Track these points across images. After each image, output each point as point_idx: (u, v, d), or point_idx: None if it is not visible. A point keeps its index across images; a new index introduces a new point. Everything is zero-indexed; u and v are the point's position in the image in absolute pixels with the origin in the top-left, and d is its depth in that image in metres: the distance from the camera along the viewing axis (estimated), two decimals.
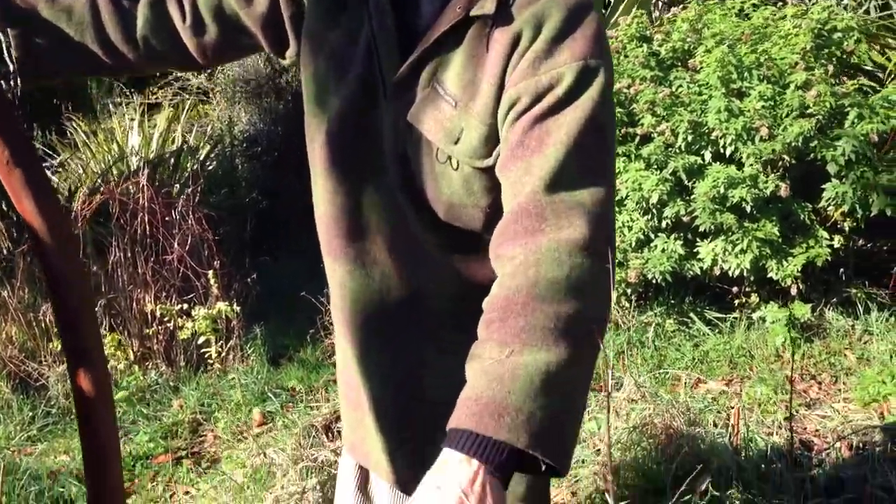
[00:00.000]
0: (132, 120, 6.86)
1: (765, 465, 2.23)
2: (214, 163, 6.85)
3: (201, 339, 3.99)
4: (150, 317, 4.12)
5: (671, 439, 2.17)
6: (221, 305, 3.89)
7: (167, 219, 4.28)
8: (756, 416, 2.70)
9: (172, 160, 6.23)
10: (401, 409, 1.22)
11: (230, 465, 2.78)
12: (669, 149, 3.42)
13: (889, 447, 2.42)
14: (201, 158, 6.63)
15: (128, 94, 8.54)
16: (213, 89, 7.59)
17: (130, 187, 4.38)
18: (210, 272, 4.03)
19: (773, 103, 3.26)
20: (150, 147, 6.53)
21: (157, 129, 6.76)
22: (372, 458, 1.26)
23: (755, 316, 3.53)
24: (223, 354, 4.10)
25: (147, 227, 4.13)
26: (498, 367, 0.87)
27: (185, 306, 4.02)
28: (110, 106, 8.30)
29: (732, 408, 2.54)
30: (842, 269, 3.64)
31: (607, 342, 3.41)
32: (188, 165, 6.25)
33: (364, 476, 1.34)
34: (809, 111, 3.24)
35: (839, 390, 3.10)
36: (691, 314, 3.63)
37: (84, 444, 0.89)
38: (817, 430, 2.72)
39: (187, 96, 8.02)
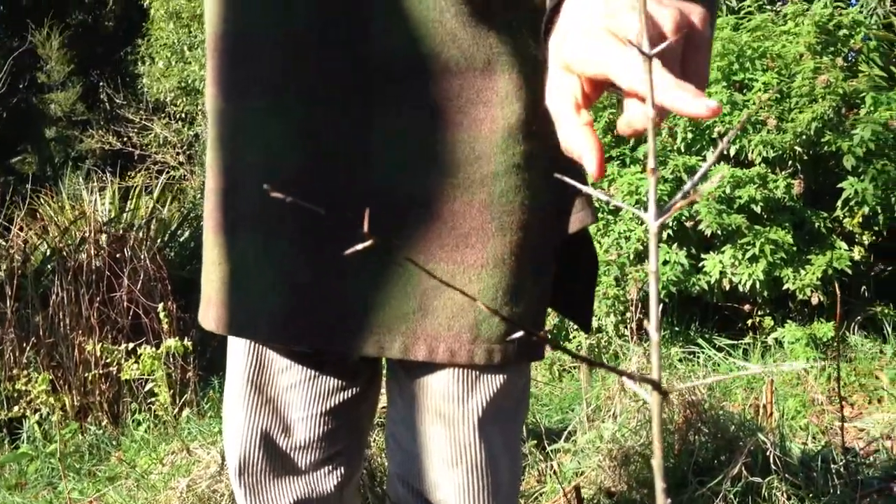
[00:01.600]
0: (102, 189, 6.58)
1: (809, 454, 1.79)
2: (187, 232, 6.53)
3: (148, 386, 3.53)
4: (93, 363, 3.68)
5: (691, 419, 1.74)
6: (171, 342, 3.45)
7: (118, 255, 3.91)
8: (786, 426, 2.27)
9: (142, 233, 5.92)
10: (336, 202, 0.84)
11: None
12: (667, 151, 3.09)
13: None
14: (173, 228, 6.33)
15: (104, 178, 8.31)
16: (190, 162, 7.35)
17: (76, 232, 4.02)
18: (160, 305, 3.61)
19: (779, 96, 2.97)
20: (120, 221, 6.23)
21: (129, 202, 6.48)
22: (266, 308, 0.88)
23: (770, 340, 3.13)
24: (176, 410, 3.63)
25: (92, 260, 3.74)
26: None
27: (132, 346, 3.59)
28: (84, 193, 8.06)
29: (764, 383, 2.11)
30: (863, 288, 3.27)
31: (606, 372, 3.00)
32: (158, 237, 5.93)
33: (258, 360, 0.94)
34: (820, 102, 2.94)
35: (876, 409, 2.68)
36: (700, 340, 3.22)
37: None
38: (860, 437, 2.28)
39: (164, 177, 7.78)
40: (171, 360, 3.61)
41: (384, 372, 1.01)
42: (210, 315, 0.91)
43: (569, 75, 0.58)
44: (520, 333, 0.90)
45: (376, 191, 0.83)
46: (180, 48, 9.88)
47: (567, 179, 0.47)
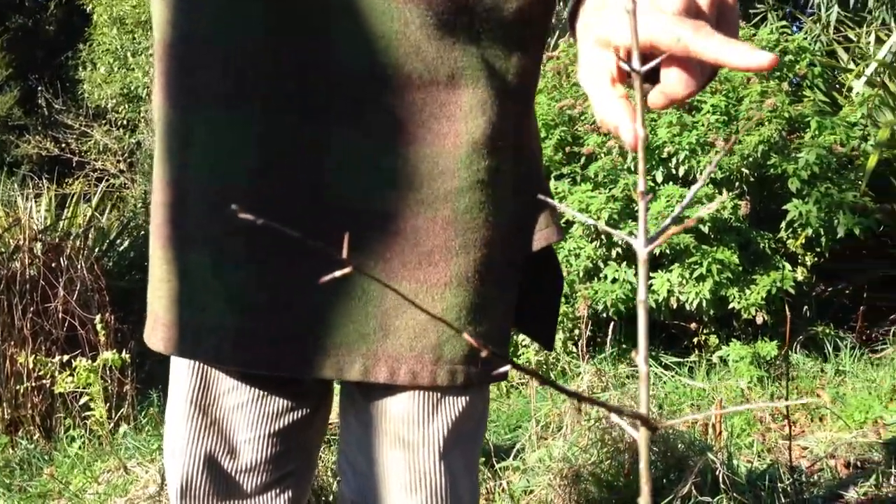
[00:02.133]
0: (38, 196, 6.39)
1: (755, 472, 1.80)
2: (127, 241, 6.37)
3: (83, 400, 3.41)
4: (25, 375, 3.54)
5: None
6: (108, 354, 3.34)
7: (53, 264, 3.78)
8: (733, 445, 2.29)
9: (79, 242, 5.75)
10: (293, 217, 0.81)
11: None
12: (618, 170, 3.12)
13: (894, 463, 2.02)
14: (112, 237, 6.17)
15: (40, 185, 8.08)
16: (132, 170, 7.20)
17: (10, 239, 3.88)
18: (97, 317, 3.50)
19: (727, 118, 3.02)
20: (57, 229, 6.05)
21: (66, 209, 6.30)
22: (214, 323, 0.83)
23: (715, 358, 3.16)
24: (112, 424, 3.52)
25: (27, 269, 3.61)
26: None
27: (67, 358, 3.46)
28: (19, 199, 7.82)
29: (713, 402, 2.12)
30: (805, 308, 3.33)
31: (555, 393, 2.99)
32: (96, 246, 5.77)
33: (202, 381, 0.90)
34: (766, 125, 3.00)
35: (818, 427, 2.72)
36: None
37: None
38: (803, 456, 2.31)
39: (104, 185, 7.60)
40: (108, 373, 3.50)
41: (337, 390, 0.98)
42: (158, 335, 0.86)
43: (604, 51, 0.59)
44: (485, 353, 0.88)
45: (335, 207, 0.80)
46: (123, 54, 9.69)
47: (547, 200, 0.45)
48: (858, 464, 2.10)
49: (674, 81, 0.56)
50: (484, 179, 0.81)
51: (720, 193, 3.00)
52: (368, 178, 0.79)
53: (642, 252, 0.41)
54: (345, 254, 0.27)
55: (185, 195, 0.83)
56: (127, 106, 9.69)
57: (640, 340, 0.42)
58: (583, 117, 3.21)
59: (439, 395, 0.84)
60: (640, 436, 0.43)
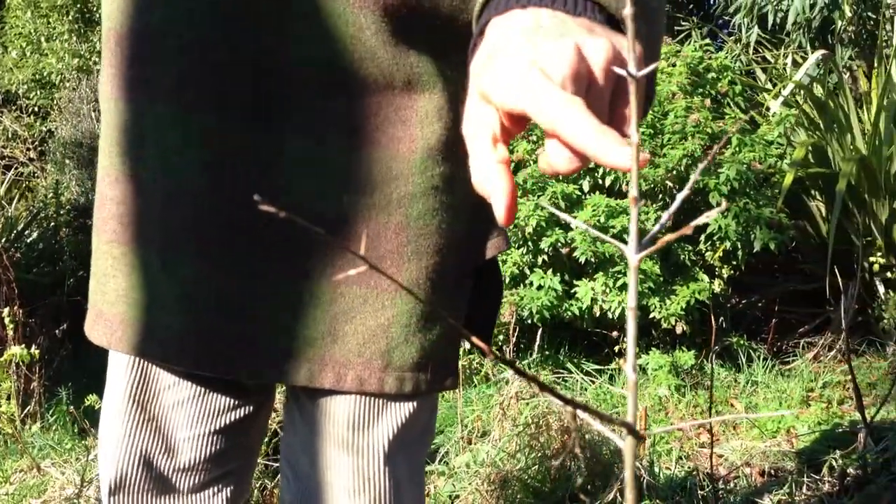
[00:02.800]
0: None
1: (676, 479, 1.84)
2: (36, 232, 6.12)
3: None
4: None
5: (568, 445, 1.75)
6: (16, 349, 3.19)
7: None
8: (654, 450, 2.33)
9: None
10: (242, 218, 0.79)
11: None
12: (545, 178, 3.15)
13: (805, 472, 2.10)
14: (20, 228, 5.92)
15: None
16: (42, 158, 6.92)
17: None
18: (5, 310, 3.35)
19: (652, 131, 3.08)
20: None
21: None
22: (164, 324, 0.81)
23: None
24: (18, 421, 3.36)
25: None
26: None
27: None
28: None
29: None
30: (721, 319, 3.42)
31: (479, 394, 3.00)
32: (3, 236, 5.53)
33: (141, 376, 0.87)
34: (690, 139, 3.08)
35: (733, 436, 2.80)
36: (568, 365, 3.28)
37: None
38: (719, 464, 2.37)
39: (12, 173, 7.28)
40: (16, 369, 3.35)
41: (281, 391, 0.96)
42: (100, 329, 0.84)
43: (487, 105, 0.52)
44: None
45: (287, 209, 0.78)
46: (37, 38, 9.31)
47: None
48: (772, 472, 2.17)
49: (557, 156, 0.49)
50: (438, 186, 0.80)
51: (645, 206, 3.06)
52: (321, 181, 0.78)
53: (633, 259, 0.41)
54: (362, 250, 0.26)
55: (137, 191, 0.80)
56: (39, 92, 9.32)
57: (630, 348, 0.41)
58: None
59: (385, 399, 0.83)
60: (627, 444, 0.42)
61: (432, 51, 0.79)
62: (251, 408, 0.90)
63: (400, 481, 0.85)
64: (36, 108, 9.53)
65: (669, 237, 0.40)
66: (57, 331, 3.72)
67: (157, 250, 0.80)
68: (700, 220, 0.40)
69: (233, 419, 0.89)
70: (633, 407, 0.42)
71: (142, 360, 0.86)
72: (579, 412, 0.42)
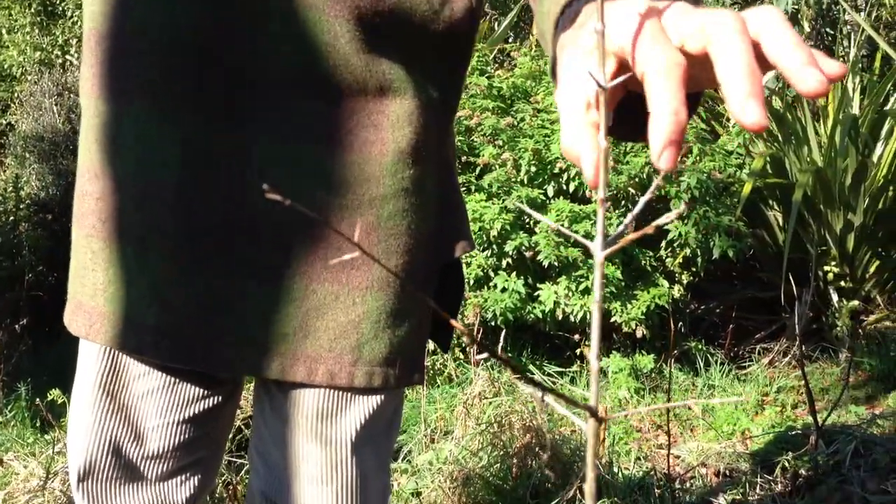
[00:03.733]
0: None
1: (634, 479, 1.88)
2: None
3: None
4: None
5: (530, 444, 1.79)
6: None
7: None
8: (613, 449, 2.38)
9: None
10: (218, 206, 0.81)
11: None
12: (511, 182, 3.19)
13: (759, 472, 2.16)
14: None
15: None
16: (1, 152, 6.80)
17: None
18: None
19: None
20: None
21: None
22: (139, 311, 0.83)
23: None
24: None
25: None
26: None
27: None
28: None
29: None
30: (680, 324, 3.50)
31: (442, 394, 3.03)
32: None
33: (111, 365, 0.89)
34: None
35: (689, 438, 2.86)
36: (531, 367, 3.33)
37: None
38: (677, 464, 2.43)
39: None
40: None
41: (249, 384, 0.98)
42: (79, 321, 0.86)
43: (585, 73, 0.49)
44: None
45: (260, 209, 0.81)
46: None
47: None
48: (727, 472, 2.23)
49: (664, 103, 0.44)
50: (408, 188, 0.84)
51: (608, 211, 3.12)
52: (294, 182, 0.81)
53: (599, 255, 0.44)
54: (356, 237, 0.28)
55: (115, 188, 0.83)
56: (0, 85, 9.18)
57: (594, 339, 0.45)
58: (479, 128, 3.28)
59: (353, 392, 0.86)
60: (589, 425, 0.46)
61: (404, 58, 0.82)
62: (220, 398, 0.93)
63: (367, 472, 0.88)
64: None
65: (632, 236, 0.44)
66: (16, 326, 3.67)
67: (132, 246, 0.83)
68: (661, 221, 0.43)
69: (201, 409, 0.91)
70: (596, 392, 0.45)
71: (112, 350, 0.88)
72: (547, 397, 0.45)
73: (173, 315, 0.82)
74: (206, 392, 0.91)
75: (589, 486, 0.46)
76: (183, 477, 0.93)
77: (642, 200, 0.45)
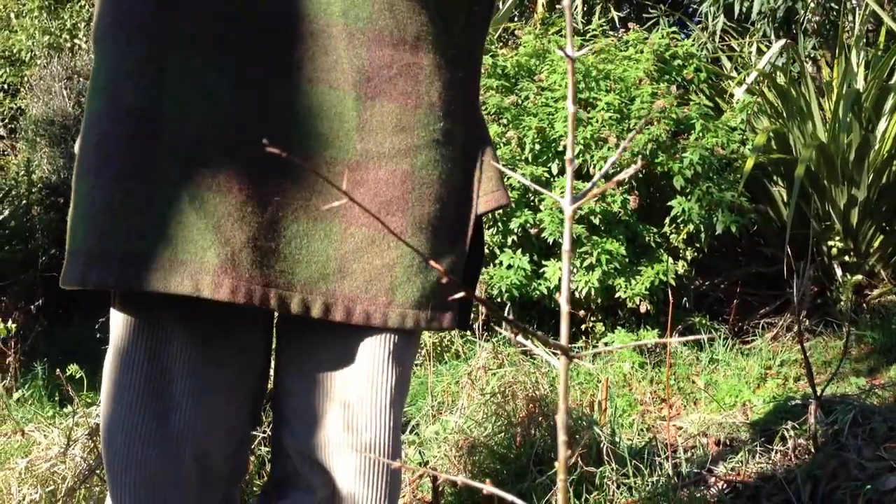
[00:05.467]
0: None
1: (635, 448, 1.93)
2: (7, 211, 6.09)
3: None
4: None
5: (533, 413, 1.84)
6: None
7: None
8: (617, 422, 2.43)
9: None
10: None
11: None
12: (516, 160, 3.23)
13: (759, 441, 2.21)
14: None
15: None
16: (13, 136, 6.86)
17: None
18: None
19: (619, 115, 3.17)
20: None
21: None
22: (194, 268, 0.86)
23: (601, 344, 3.32)
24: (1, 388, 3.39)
25: None
26: None
27: None
28: None
29: (600, 382, 2.25)
30: (684, 299, 3.53)
31: (449, 368, 3.09)
32: None
33: (149, 339, 0.92)
34: (656, 125, 3.17)
35: (692, 410, 2.91)
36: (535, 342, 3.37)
37: None
38: (679, 434, 2.48)
39: None
40: None
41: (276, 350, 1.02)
42: (101, 272, 0.84)
43: None
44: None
45: (303, 155, 0.86)
46: (7, 15, 9.20)
47: (498, 167, 0.52)
48: (728, 442, 2.28)
49: None
50: (439, 139, 0.89)
51: (613, 188, 3.15)
52: (335, 127, 0.86)
53: (568, 209, 0.49)
54: (344, 185, 0.32)
55: (157, 129, 0.84)
56: (8, 69, 9.22)
57: (564, 284, 0.50)
58: (484, 107, 3.31)
59: (389, 351, 0.91)
60: (561, 362, 0.51)
61: (437, 13, 0.88)
62: (253, 375, 0.97)
63: (395, 428, 0.93)
64: (5, 86, 9.43)
65: (598, 189, 0.48)
66: (32, 307, 3.74)
67: (186, 188, 0.83)
68: (621, 176, 0.47)
69: (237, 386, 0.95)
70: (566, 331, 0.50)
71: (150, 324, 0.90)
72: (520, 337, 0.50)
73: (232, 253, 0.83)
74: (239, 368, 0.95)
75: (560, 417, 0.51)
76: (222, 448, 0.96)
77: (611, 160, 0.49)
